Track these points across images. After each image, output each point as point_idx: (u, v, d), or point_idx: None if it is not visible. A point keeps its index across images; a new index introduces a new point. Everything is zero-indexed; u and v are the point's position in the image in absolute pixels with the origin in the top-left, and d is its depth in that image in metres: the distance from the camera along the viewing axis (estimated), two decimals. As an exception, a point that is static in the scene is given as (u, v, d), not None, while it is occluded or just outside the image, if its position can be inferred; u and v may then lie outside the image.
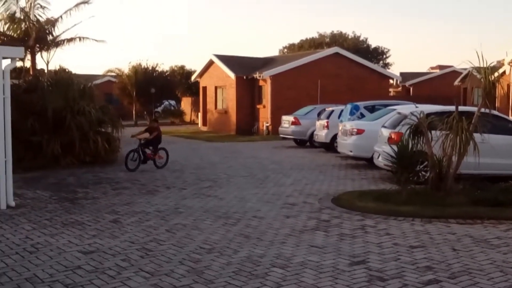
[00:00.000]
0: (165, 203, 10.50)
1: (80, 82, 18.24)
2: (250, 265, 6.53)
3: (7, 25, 25.17)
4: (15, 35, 25.20)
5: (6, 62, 10.15)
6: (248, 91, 32.13)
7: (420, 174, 11.26)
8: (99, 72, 48.84)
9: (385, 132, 13.40)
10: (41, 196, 11.34)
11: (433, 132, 10.63)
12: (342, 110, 19.89)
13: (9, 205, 10.05)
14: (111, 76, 46.74)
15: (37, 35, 24.94)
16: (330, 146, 20.25)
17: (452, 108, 10.90)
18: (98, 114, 16.98)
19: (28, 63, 25.89)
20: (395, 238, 7.76)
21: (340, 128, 17.25)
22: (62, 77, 18.31)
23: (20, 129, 13.89)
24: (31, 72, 24.59)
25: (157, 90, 41.96)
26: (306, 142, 23.34)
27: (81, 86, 17.80)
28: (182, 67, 48.16)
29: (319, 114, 22.34)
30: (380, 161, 13.20)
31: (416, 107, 13.93)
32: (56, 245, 7.52)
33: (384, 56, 55.64)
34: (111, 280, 6.04)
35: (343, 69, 31.69)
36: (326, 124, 20.47)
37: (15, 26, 25.19)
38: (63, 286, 5.85)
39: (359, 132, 15.77)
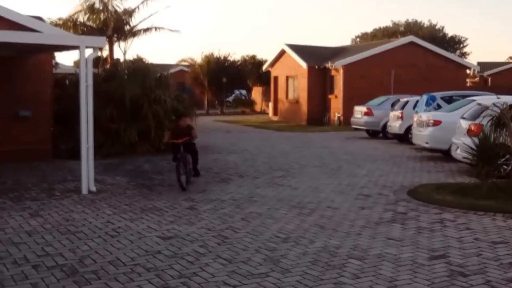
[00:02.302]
0: (239, 192, 10.61)
1: (156, 71, 18.65)
2: (327, 255, 6.51)
3: (87, 16, 26.04)
4: (94, 25, 26.05)
5: (88, 52, 10.50)
6: (319, 81, 31.88)
7: (502, 168, 10.85)
8: (172, 61, 49.80)
9: (464, 124, 12.97)
10: (120, 182, 11.70)
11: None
12: (417, 101, 19.40)
13: (90, 190, 10.44)
14: (184, 65, 47.53)
15: (115, 25, 25.68)
16: (404, 137, 19.82)
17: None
18: (173, 102, 17.30)
19: (105, 53, 26.72)
20: (475, 233, 7.52)
21: (415, 119, 16.85)
22: (139, 66, 18.83)
23: (99, 116, 14.33)
24: (108, 62, 25.35)
25: (228, 80, 42.38)
26: (378, 133, 22.97)
27: (157, 75, 18.17)
28: (254, 57, 48.30)
29: (393, 105, 21.91)
30: (458, 153, 12.80)
31: (498, 98, 13.40)
32: (136, 229, 7.75)
33: (461, 46, 53.89)
34: (190, 265, 6.16)
35: (418, 59, 30.88)
36: (400, 115, 20.05)
37: (95, 16, 26.02)
38: (145, 269, 6.02)
39: (436, 123, 15.33)
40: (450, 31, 54.95)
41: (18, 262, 6.27)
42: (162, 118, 16.67)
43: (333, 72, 31.14)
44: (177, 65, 47.77)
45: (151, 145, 16.59)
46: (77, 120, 12.77)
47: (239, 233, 7.54)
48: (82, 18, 26.01)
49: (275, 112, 36.77)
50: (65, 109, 16.21)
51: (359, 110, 23.66)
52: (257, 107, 46.41)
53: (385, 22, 70.75)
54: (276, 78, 36.67)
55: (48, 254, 6.56)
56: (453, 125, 13.82)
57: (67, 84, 19.49)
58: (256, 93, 48.64)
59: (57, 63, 19.20)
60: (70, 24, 25.43)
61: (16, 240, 7.17)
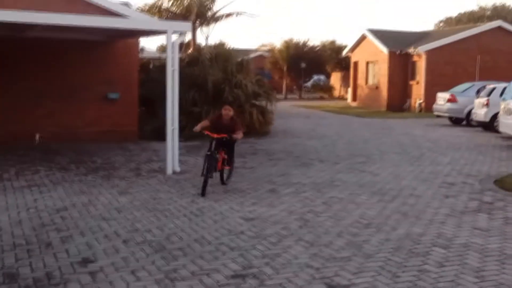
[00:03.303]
0: (320, 176, 10.63)
1: (237, 56, 18.87)
2: (410, 243, 6.44)
3: (171, 2, 26.62)
4: (178, 11, 26.59)
5: (175, 37, 10.77)
6: (400, 66, 31.17)
7: None
8: (252, 47, 50.15)
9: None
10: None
11: None
12: (504, 88, 18.60)
13: (175, 170, 10.76)
14: (264, 51, 47.76)
15: (198, 10, 26.11)
16: (490, 125, 19.13)
17: None
18: (253, 87, 17.48)
19: (188, 38, 27.25)
20: None
21: (502, 106, 16.21)
22: (221, 51, 19.01)
23: (182, 100, 14.70)
24: (191, 47, 25.86)
25: (307, 65, 42.22)
26: (462, 120, 22.27)
27: (238, 60, 18.38)
28: (333, 42, 47.81)
29: (478, 92, 21.17)
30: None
31: None
32: (219, 210, 7.94)
33: (553, 30, 51.02)
34: (273, 247, 6.27)
35: (505, 44, 29.57)
36: (486, 102, 19.34)
37: (178, 2, 26.56)
38: (229, 248, 6.19)
39: (525, 111, 14.71)
40: (541, 15, 52.00)
41: (109, 236, 6.59)
42: (243, 102, 16.89)
43: (415, 58, 30.38)
44: (256, 50, 48.10)
45: (232, 129, 16.84)
46: (161, 103, 13.19)
47: (321, 217, 7.58)
48: (166, 4, 26.63)
49: (354, 98, 36.35)
50: (149, 92, 16.75)
51: (442, 97, 23.01)
52: (336, 93, 46.04)
53: (471, 6, 68.01)
54: (355, 64, 36.19)
55: (137, 230, 6.86)
56: (544, 113, 13.22)
57: (151, 68, 20.11)
58: (335, 79, 48.22)
59: (142, 48, 19.81)
60: (155, 10, 26.08)
61: (107, 216, 7.53)
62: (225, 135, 9.03)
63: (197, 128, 9.20)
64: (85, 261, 5.67)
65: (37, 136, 14.42)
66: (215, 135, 9.04)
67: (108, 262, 5.64)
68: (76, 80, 14.78)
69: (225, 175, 9.60)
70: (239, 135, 9.13)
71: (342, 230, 6.94)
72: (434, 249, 6.21)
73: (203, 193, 8.73)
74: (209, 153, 8.95)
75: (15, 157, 12.13)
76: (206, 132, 9.14)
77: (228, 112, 9.26)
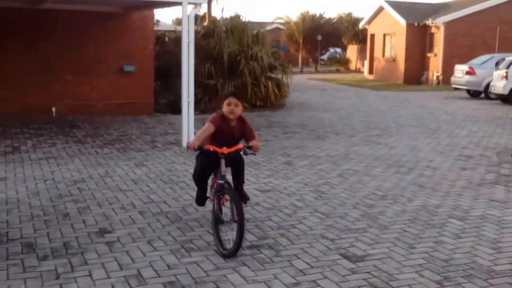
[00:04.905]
0: (335, 149, 10.59)
1: (253, 29, 18.73)
2: (426, 214, 6.42)
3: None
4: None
5: (190, 8, 10.68)
6: (418, 38, 30.75)
7: None
8: (268, 19, 49.74)
9: None
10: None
11: None
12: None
13: (190, 143, 10.76)
14: (279, 23, 47.35)
15: (212, -18, 25.88)
16: (509, 98, 18.93)
17: None
18: (269, 59, 17.38)
19: (203, 11, 27.06)
20: None
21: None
22: (237, 24, 18.86)
23: (198, 73, 14.66)
24: (206, 19, 25.68)
25: (323, 38, 41.83)
26: (480, 93, 22.02)
27: (254, 32, 18.24)
28: (350, 14, 47.24)
29: (497, 64, 20.91)
30: None
31: None
32: (235, 182, 7.95)
33: None
34: (288, 218, 6.28)
35: (526, 15, 29.05)
36: (505, 75, 19.09)
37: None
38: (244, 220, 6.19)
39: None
40: None
41: (125, 207, 6.64)
42: (259, 74, 16.82)
43: (433, 30, 29.95)
44: (272, 23, 47.64)
45: (247, 102, 16.79)
46: (176, 76, 13.16)
47: (336, 189, 7.57)
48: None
49: (371, 71, 36.02)
50: (164, 65, 16.73)
51: (460, 69, 22.73)
52: (352, 66, 45.65)
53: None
54: (372, 36, 35.78)
55: (153, 201, 6.89)
56: None
57: (167, 41, 20.04)
58: (351, 52, 47.75)
59: (158, 20, 19.72)
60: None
61: (123, 187, 7.57)
62: (240, 147, 5.35)
63: (194, 142, 5.30)
64: (102, 232, 5.73)
65: (53, 109, 14.51)
66: (226, 150, 5.30)
67: (124, 233, 5.69)
68: (92, 53, 14.78)
69: (232, 214, 5.25)
70: (257, 143, 5.51)
71: (358, 202, 6.93)
72: (451, 220, 6.18)
73: (223, 254, 5.07)
74: (222, 182, 5.32)
75: (32, 130, 12.22)
76: (209, 147, 5.29)
77: (234, 108, 5.49)
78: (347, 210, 6.60)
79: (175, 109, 14.41)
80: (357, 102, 20.16)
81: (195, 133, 11.11)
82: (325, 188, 7.63)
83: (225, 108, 5.54)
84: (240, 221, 5.00)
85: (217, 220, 5.39)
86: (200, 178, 5.87)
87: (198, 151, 5.55)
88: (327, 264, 4.90)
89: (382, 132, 12.77)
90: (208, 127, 5.47)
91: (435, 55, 29.71)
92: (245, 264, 4.89)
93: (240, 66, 16.54)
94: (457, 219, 6.24)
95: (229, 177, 5.73)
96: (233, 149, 5.33)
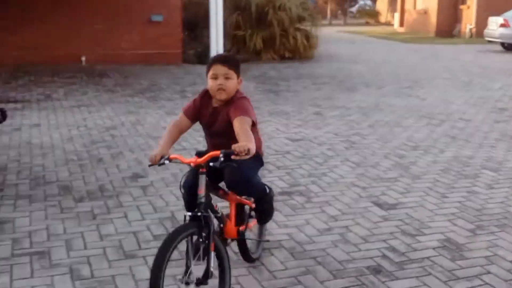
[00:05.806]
0: (365, 100, 10.49)
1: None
2: (459, 165, 6.36)
3: None
4: None
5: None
6: (451, -10, 29.94)
7: None
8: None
9: None
10: (246, 87, 11.95)
11: None
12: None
13: (219, 92, 10.75)
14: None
15: None
16: (544, 51, 18.42)
17: None
18: (298, 10, 17.12)
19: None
20: None
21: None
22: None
23: (226, 23, 14.54)
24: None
25: (353, -11, 40.97)
26: (515, 46, 21.48)
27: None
28: (381, -36, 46.10)
29: (533, 16, 20.28)
30: None
31: None
32: (265, 131, 7.92)
33: None
34: (319, 166, 6.28)
35: None
36: (541, 27, 18.55)
37: None
38: (275, 167, 6.22)
39: None
40: None
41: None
42: (287, 25, 16.61)
43: (467, -19, 29.08)
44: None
45: (276, 53, 16.69)
46: (204, 27, 13.07)
47: (367, 139, 7.53)
48: None
49: (401, 23, 35.30)
50: (192, 15, 16.60)
51: (494, 22, 22.11)
52: (382, 18, 44.76)
53: None
54: (404, -13, 34.92)
55: (184, 149, 6.94)
56: None
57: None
58: (381, 3, 46.74)
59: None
60: None
61: (154, 134, 7.63)
62: (215, 154, 3.07)
63: (156, 153, 3.24)
64: (136, 176, 5.81)
65: (83, 59, 14.58)
66: (200, 160, 3.12)
67: (158, 178, 5.77)
68: (120, 2, 14.72)
69: (250, 245, 3.89)
70: (245, 142, 3.02)
71: (389, 152, 6.89)
72: (484, 171, 6.12)
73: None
74: (199, 213, 3.05)
75: (63, 79, 12.32)
76: (176, 158, 3.23)
77: (224, 82, 3.39)
78: (379, 159, 6.57)
79: (203, 60, 14.36)
80: (387, 54, 19.83)
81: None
82: (355, 138, 7.59)
83: (210, 83, 3.39)
84: None
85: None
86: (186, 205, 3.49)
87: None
88: (359, 211, 4.92)
89: (413, 84, 12.58)
90: (178, 121, 3.53)
91: (468, 7, 28.91)
92: (276, 209, 4.92)
93: (268, 16, 16.33)
94: (490, 170, 6.17)
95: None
96: (205, 158, 3.08)
